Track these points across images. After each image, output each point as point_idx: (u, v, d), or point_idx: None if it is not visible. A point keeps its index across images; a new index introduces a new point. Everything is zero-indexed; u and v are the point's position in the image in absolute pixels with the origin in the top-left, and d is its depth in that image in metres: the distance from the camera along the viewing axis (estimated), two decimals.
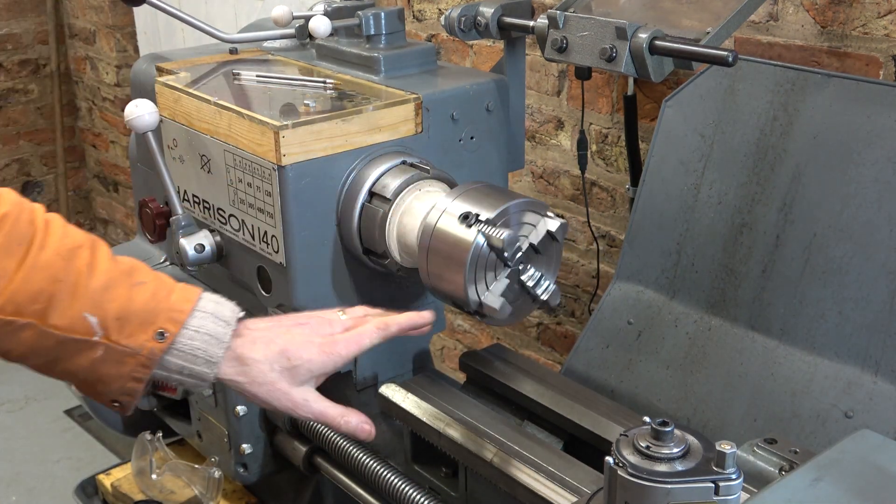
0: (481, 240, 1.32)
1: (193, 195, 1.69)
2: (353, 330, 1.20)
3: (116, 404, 1.16)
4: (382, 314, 1.24)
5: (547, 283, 1.39)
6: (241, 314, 1.16)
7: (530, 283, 1.38)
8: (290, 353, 1.16)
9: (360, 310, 1.25)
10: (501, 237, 1.30)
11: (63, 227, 1.13)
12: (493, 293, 1.35)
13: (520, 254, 1.36)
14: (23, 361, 1.13)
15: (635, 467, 0.97)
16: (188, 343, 1.11)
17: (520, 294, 1.39)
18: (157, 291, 1.12)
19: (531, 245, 1.37)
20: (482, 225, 1.32)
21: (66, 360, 1.11)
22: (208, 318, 1.12)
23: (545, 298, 1.39)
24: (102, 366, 1.10)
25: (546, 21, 1.51)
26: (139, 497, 1.85)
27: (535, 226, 1.38)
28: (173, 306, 1.11)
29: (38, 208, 1.13)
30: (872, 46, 1.70)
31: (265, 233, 1.54)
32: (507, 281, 1.37)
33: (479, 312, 1.37)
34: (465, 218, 1.33)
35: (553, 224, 1.37)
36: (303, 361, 1.16)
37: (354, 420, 1.20)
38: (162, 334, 1.10)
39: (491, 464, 1.39)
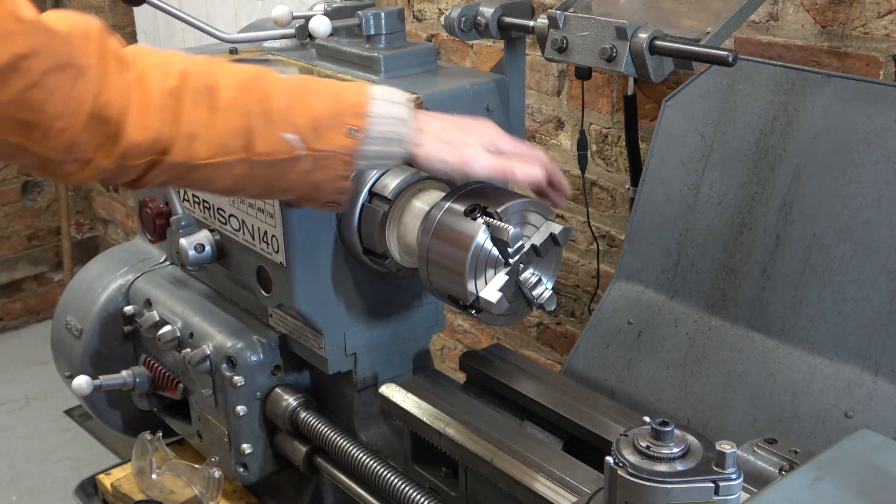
0: (483, 236, 1.32)
1: (193, 195, 1.69)
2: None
3: (332, 204, 1.29)
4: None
5: (544, 286, 1.39)
6: (409, 95, 1.28)
7: (528, 284, 1.38)
8: (459, 121, 1.32)
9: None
10: (508, 230, 1.30)
11: (228, 66, 1.22)
12: (490, 288, 1.35)
13: (522, 252, 1.36)
14: (239, 193, 1.27)
15: (635, 467, 0.97)
16: (378, 129, 1.22)
17: (517, 295, 1.39)
18: (332, 94, 1.23)
19: (533, 246, 1.37)
20: (488, 217, 1.32)
21: (279, 180, 1.22)
22: (384, 103, 1.23)
23: (541, 303, 1.39)
24: (312, 174, 1.22)
25: (546, 21, 1.51)
26: (139, 497, 1.85)
27: (538, 227, 1.38)
28: (353, 102, 1.22)
29: (206, 59, 1.22)
30: (872, 46, 1.70)
31: (265, 233, 1.54)
32: (506, 278, 1.36)
33: (474, 307, 1.36)
34: (472, 210, 1.33)
35: (557, 227, 1.37)
36: (472, 129, 1.31)
37: (520, 173, 1.30)
38: (353, 130, 1.20)
39: (491, 464, 1.39)
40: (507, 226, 1.30)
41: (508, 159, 1.31)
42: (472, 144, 1.30)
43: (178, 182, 1.21)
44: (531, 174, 1.30)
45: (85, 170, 1.14)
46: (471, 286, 1.34)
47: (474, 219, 1.32)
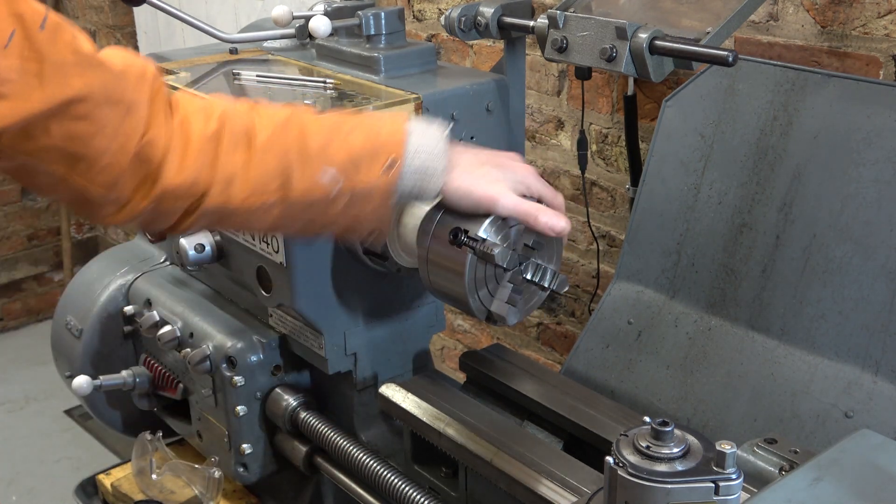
0: (472, 262, 1.32)
1: None
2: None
3: (373, 233, 1.29)
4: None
5: (551, 274, 1.38)
6: (445, 128, 1.28)
7: (536, 278, 1.38)
8: (493, 158, 1.31)
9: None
10: (493, 253, 1.29)
11: (266, 109, 1.23)
12: (499, 300, 1.34)
13: (515, 258, 1.35)
14: (279, 231, 1.28)
15: (635, 467, 0.97)
16: (415, 164, 1.22)
17: (526, 288, 1.38)
18: (369, 130, 1.23)
19: (525, 245, 1.37)
20: (472, 242, 1.31)
21: (318, 217, 1.22)
22: (421, 137, 1.23)
23: (553, 288, 1.39)
24: (352, 209, 1.22)
25: (546, 21, 1.51)
26: (139, 497, 1.85)
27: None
28: (391, 137, 1.22)
29: (246, 104, 1.22)
30: (872, 46, 1.70)
31: None
32: (511, 285, 1.36)
33: (489, 319, 1.37)
34: (455, 237, 1.33)
35: None
36: (505, 166, 1.30)
37: (543, 219, 1.27)
38: (391, 165, 1.21)
39: (491, 464, 1.39)
40: (492, 250, 1.29)
41: (534, 203, 1.29)
42: (501, 181, 1.28)
43: (216, 226, 1.22)
44: (553, 224, 1.27)
45: (122, 211, 1.15)
46: (475, 304, 1.34)
47: (459, 246, 1.32)
